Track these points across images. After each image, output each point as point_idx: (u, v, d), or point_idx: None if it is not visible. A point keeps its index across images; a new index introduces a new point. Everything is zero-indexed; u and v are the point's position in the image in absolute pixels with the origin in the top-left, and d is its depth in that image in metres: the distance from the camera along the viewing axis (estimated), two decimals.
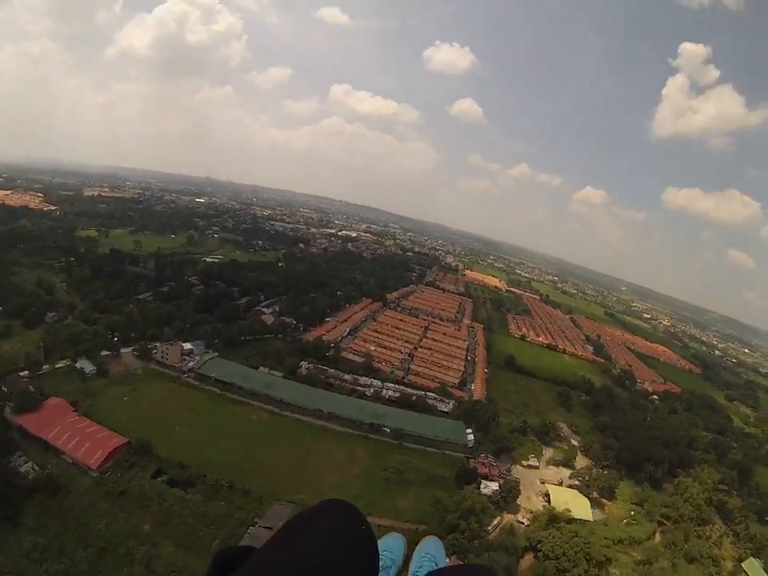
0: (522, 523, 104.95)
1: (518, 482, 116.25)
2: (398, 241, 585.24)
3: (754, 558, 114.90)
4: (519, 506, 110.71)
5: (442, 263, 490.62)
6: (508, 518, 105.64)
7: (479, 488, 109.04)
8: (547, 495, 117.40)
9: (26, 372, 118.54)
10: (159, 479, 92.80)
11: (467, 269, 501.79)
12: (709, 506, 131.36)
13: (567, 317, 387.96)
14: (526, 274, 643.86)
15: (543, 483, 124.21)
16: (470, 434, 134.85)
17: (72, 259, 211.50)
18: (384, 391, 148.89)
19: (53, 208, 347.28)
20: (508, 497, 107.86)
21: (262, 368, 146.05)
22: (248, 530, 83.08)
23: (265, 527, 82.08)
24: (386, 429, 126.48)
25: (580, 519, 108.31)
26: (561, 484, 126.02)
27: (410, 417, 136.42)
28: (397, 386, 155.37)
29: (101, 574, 69.91)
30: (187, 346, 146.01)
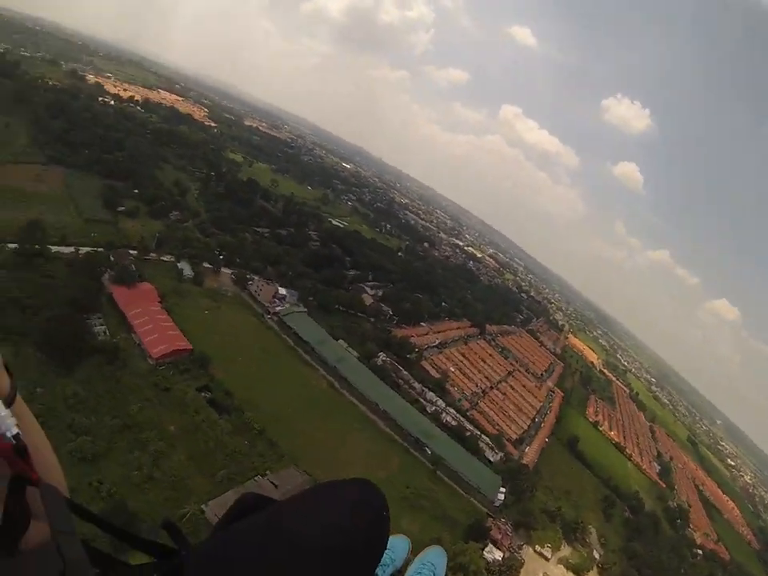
0: None
1: (522, 563, 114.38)
2: (517, 278, 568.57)
3: None
4: None
5: (551, 317, 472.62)
6: None
7: (483, 549, 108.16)
8: None
9: (135, 252, 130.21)
10: (203, 394, 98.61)
11: (572, 332, 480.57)
12: None
13: (648, 424, 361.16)
14: (626, 363, 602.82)
15: None
16: (502, 493, 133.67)
17: (212, 173, 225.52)
18: (444, 415, 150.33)
19: (213, 124, 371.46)
20: (505, 573, 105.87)
21: (341, 341, 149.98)
22: (255, 478, 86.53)
23: (272, 482, 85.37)
24: (427, 450, 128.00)
25: None
26: None
27: (455, 450, 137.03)
28: (458, 415, 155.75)
29: (115, 444, 76.92)
30: (282, 290, 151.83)
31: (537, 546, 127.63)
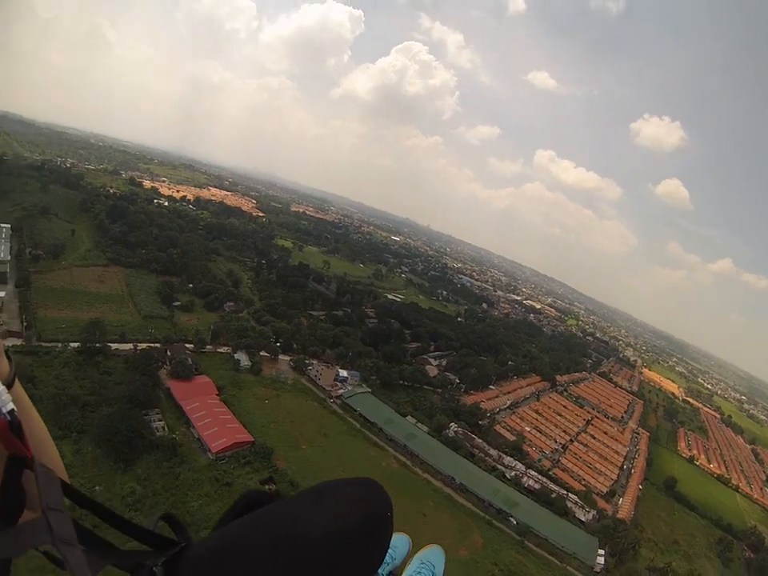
0: None
1: None
2: (580, 322, 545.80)
3: None
4: None
5: (620, 355, 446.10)
6: None
7: None
8: None
9: (191, 345, 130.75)
10: (267, 487, 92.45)
11: (645, 367, 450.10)
12: None
13: (749, 447, 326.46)
14: (709, 386, 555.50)
15: None
16: (601, 555, 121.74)
17: (263, 262, 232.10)
18: (525, 479, 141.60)
19: (261, 215, 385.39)
20: None
21: (409, 417, 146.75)
22: None
23: None
24: (512, 520, 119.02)
25: None
26: None
27: (543, 515, 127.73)
28: (540, 476, 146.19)
29: None
30: (343, 372, 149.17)
31: None
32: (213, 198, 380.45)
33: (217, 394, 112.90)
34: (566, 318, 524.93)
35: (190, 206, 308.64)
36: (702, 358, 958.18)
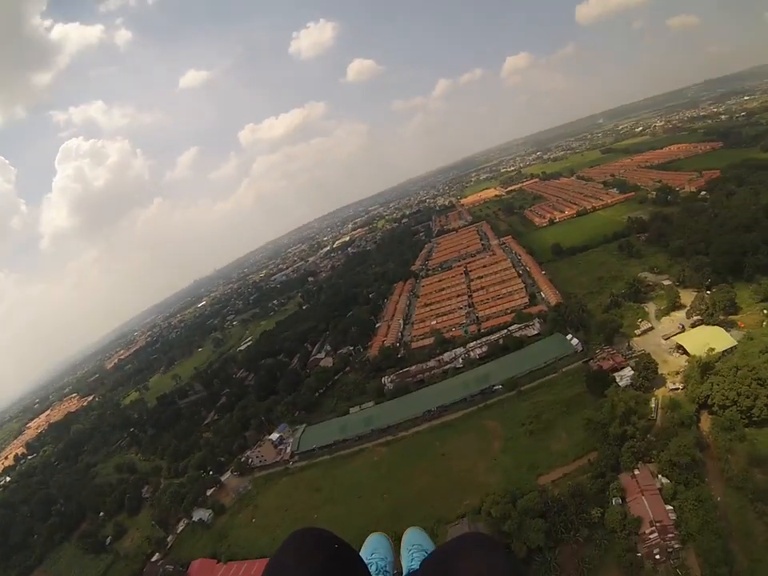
0: (677, 389, 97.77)
1: (647, 353, 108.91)
2: (386, 217, 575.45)
3: None
4: (663, 375, 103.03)
5: (437, 209, 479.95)
6: (661, 392, 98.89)
7: (617, 382, 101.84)
8: (681, 347, 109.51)
9: (157, 555, 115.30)
10: None
11: (461, 199, 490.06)
12: None
13: (574, 178, 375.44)
14: (512, 167, 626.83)
15: (668, 339, 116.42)
16: (572, 339, 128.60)
17: (132, 429, 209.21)
18: (471, 353, 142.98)
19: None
20: (647, 373, 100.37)
21: (351, 409, 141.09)
22: None
23: None
24: (497, 387, 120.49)
25: (726, 350, 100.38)
26: (683, 329, 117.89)
27: (511, 360, 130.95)
28: (478, 340, 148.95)
29: None
30: (275, 435, 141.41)
31: (636, 332, 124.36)
32: None
33: (218, 562, 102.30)
34: (375, 224, 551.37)
35: None
36: (491, 155, 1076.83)
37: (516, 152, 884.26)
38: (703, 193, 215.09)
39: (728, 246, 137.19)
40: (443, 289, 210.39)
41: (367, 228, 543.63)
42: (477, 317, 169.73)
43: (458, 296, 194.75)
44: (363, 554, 6.65)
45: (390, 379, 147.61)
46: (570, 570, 68.92)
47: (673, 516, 70.31)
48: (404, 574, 6.35)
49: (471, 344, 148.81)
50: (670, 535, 67.82)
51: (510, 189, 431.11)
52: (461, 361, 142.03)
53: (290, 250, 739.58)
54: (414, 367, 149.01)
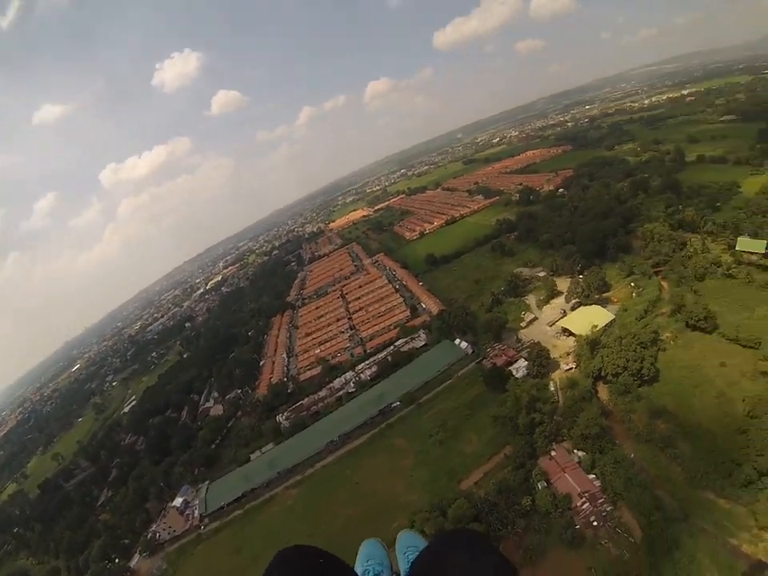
0: (571, 368, 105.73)
1: (536, 342, 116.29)
2: (257, 251, 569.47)
3: (740, 237, 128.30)
4: (555, 359, 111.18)
5: (306, 236, 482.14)
6: (557, 375, 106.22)
7: (513, 375, 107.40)
8: (566, 330, 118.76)
9: None
10: None
11: (330, 223, 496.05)
12: (676, 230, 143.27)
13: (439, 190, 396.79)
14: (378, 187, 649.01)
15: (553, 325, 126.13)
16: (460, 343, 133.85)
17: (16, 530, 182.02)
18: (361, 376, 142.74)
19: None
20: (541, 360, 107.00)
21: (252, 455, 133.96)
22: None
23: None
24: (395, 404, 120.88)
25: (607, 324, 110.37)
26: (565, 313, 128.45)
27: (403, 375, 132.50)
28: (366, 362, 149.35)
29: None
30: (178, 501, 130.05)
31: (521, 324, 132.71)
32: None
33: None
34: (247, 258, 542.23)
35: None
36: (355, 179, 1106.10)
37: (381, 172, 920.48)
38: (561, 190, 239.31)
39: (591, 233, 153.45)
40: (322, 316, 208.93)
41: (239, 264, 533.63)
42: (360, 338, 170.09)
43: (338, 320, 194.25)
44: (358, 561, 6.95)
45: (284, 417, 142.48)
46: (518, 562, 69.86)
47: (597, 483, 76.47)
48: None
49: (360, 366, 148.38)
50: (600, 501, 73.78)
51: (377, 207, 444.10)
52: (352, 385, 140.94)
53: (163, 296, 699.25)
54: (306, 400, 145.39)
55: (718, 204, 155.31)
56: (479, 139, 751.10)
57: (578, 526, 71.91)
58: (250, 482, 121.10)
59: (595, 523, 71.46)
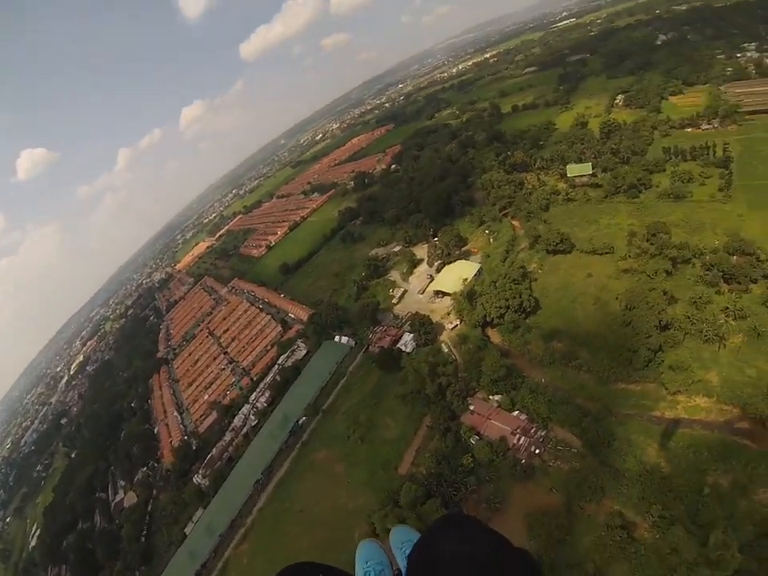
0: (456, 325, 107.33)
1: (414, 312, 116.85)
2: (111, 317, 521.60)
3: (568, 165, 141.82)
4: (438, 322, 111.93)
5: (157, 285, 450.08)
6: (446, 336, 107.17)
7: (404, 351, 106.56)
8: (439, 292, 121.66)
9: None
10: None
11: (176, 264, 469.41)
12: (511, 173, 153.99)
13: (275, 200, 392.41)
14: (214, 214, 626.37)
15: (424, 292, 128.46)
16: (341, 339, 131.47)
17: None
18: (258, 405, 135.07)
19: None
20: (425, 328, 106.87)
21: (186, 530, 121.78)
22: None
23: None
24: (302, 420, 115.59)
25: (476, 274, 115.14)
26: (432, 278, 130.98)
27: (297, 390, 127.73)
28: (257, 390, 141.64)
29: None
30: None
31: (393, 301, 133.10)
32: None
33: None
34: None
35: None
36: (187, 211, 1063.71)
37: (214, 197, 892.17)
38: (394, 166, 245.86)
39: (434, 197, 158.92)
40: (197, 360, 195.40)
41: (97, 337, 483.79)
42: (243, 368, 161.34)
43: (215, 359, 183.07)
44: (358, 565, 6.62)
45: (201, 476, 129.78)
46: (486, 516, 70.32)
47: (523, 416, 79.11)
48: (403, 573, 6.25)
49: (252, 396, 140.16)
50: (533, 430, 76.70)
51: (219, 235, 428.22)
52: (253, 417, 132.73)
53: (26, 400, 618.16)
54: (214, 450, 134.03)
55: (541, 143, 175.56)
56: (303, 140, 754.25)
57: (523, 461, 74.01)
58: (197, 558, 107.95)
59: (537, 451, 74.23)
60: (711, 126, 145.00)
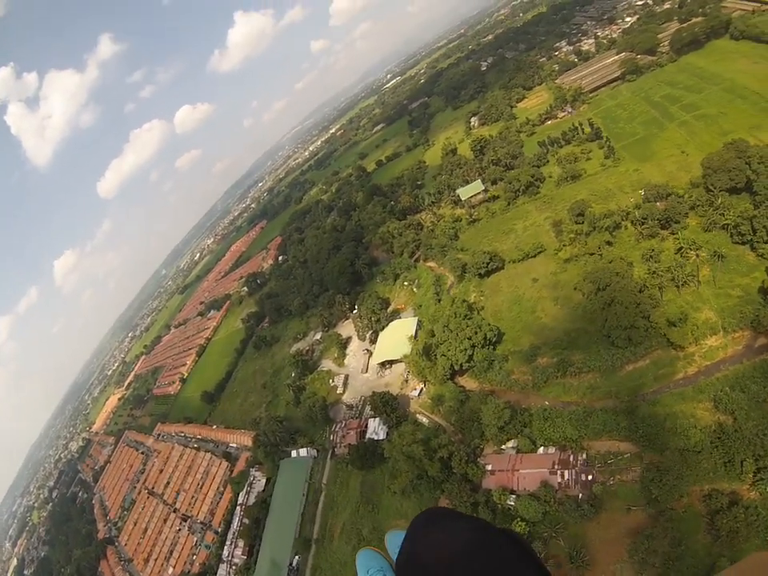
0: (421, 389, 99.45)
1: (367, 396, 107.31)
2: (35, 505, 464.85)
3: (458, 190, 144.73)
4: (399, 395, 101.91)
5: (77, 456, 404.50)
6: (417, 405, 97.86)
7: (380, 440, 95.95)
8: (386, 363, 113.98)
9: None
10: None
11: (92, 427, 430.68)
12: (405, 219, 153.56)
13: (173, 331, 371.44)
14: (116, 364, 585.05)
15: (367, 370, 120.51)
16: (298, 453, 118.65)
17: None
18: (235, 561, 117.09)
19: None
20: (390, 408, 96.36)
21: None
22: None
23: None
24: (296, 560, 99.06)
25: (417, 329, 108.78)
26: (370, 351, 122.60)
27: (273, 526, 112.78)
28: (227, 542, 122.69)
29: None
30: None
31: (339, 373, 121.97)
32: None
33: None
34: None
35: None
36: (87, 369, 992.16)
37: (111, 347, 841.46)
38: (281, 257, 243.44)
39: (336, 270, 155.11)
40: (146, 529, 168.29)
41: (26, 533, 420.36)
42: (201, 522, 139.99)
43: (165, 521, 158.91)
44: (359, 573, 6.19)
45: None
46: None
47: (552, 449, 72.23)
48: None
49: (225, 553, 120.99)
50: (572, 458, 69.13)
51: (127, 383, 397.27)
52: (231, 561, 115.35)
53: None
54: None
55: (419, 182, 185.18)
56: (182, 264, 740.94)
57: (580, 495, 65.06)
58: None
59: (589, 477, 66.17)
60: (566, 113, 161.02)
